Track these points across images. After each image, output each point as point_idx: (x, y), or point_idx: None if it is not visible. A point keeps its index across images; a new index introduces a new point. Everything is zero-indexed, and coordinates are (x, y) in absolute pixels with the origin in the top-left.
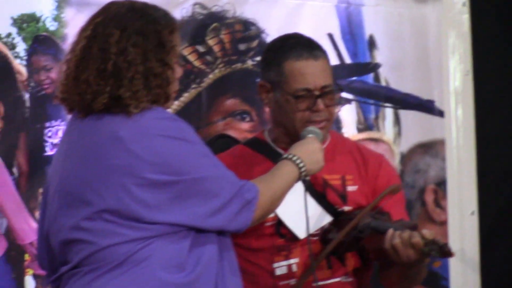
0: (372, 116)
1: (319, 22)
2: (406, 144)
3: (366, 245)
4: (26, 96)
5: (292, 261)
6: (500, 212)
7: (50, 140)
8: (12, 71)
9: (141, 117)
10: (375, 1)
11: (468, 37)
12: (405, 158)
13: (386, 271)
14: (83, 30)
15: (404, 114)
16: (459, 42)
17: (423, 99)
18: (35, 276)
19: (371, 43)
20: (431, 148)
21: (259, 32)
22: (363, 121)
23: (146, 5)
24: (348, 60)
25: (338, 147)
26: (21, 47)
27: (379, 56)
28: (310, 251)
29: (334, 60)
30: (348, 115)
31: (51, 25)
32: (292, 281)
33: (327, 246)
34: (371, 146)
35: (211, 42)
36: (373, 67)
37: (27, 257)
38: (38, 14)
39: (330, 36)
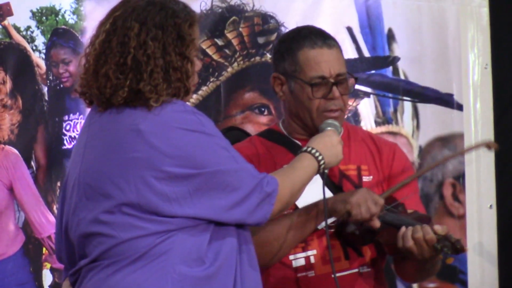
0: (390, 109)
1: (338, 16)
2: (424, 137)
3: (380, 239)
4: (45, 89)
5: (309, 252)
6: None
7: (68, 134)
8: (31, 64)
9: (161, 110)
10: None
11: (487, 31)
12: (424, 151)
13: (402, 264)
14: (102, 23)
15: (423, 107)
16: (478, 36)
17: (442, 92)
18: (53, 270)
19: (390, 37)
20: (450, 142)
21: (278, 26)
22: (381, 115)
23: None
24: (366, 53)
25: (351, 136)
26: (40, 40)
27: (398, 50)
28: (328, 243)
29: (352, 54)
30: (366, 109)
31: (70, 18)
32: (310, 273)
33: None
34: (390, 140)
35: (230, 35)
36: (392, 61)
37: (44, 250)
38: (57, 8)
39: (349, 30)
